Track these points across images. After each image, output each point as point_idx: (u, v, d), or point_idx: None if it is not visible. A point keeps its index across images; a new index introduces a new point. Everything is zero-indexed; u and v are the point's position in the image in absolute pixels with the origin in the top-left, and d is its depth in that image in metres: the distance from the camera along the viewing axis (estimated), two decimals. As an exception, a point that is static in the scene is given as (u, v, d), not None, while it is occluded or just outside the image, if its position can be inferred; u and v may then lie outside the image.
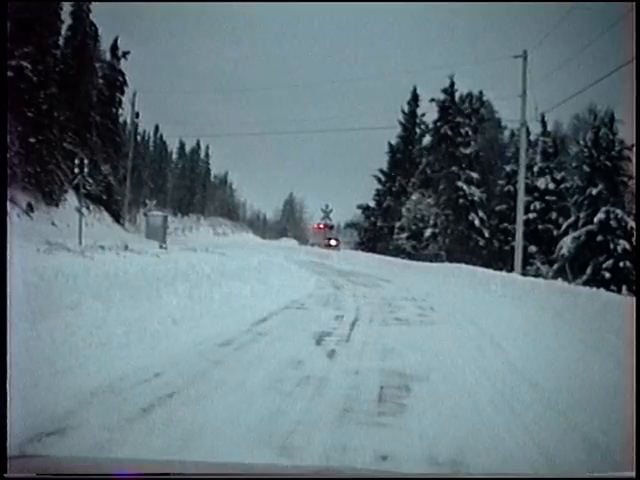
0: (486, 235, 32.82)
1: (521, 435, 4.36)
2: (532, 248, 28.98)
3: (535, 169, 31.17)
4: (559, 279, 17.96)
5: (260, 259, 19.72)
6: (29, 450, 3.46)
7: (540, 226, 30.50)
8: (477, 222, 32.80)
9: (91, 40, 34.44)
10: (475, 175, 33.59)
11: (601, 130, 28.72)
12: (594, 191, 27.37)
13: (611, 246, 25.80)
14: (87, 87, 33.43)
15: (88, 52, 33.69)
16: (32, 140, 25.34)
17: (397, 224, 37.27)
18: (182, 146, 78.25)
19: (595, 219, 26.37)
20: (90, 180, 24.20)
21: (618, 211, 26.32)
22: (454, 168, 33.39)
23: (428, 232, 34.35)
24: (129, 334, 6.85)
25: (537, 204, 30.66)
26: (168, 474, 1.90)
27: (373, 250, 37.52)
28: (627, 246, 25.44)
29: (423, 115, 40.92)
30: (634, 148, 26.03)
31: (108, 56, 37.46)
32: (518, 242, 23.18)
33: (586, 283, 21.62)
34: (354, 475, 2.40)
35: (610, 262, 25.58)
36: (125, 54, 37.53)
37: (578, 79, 20.31)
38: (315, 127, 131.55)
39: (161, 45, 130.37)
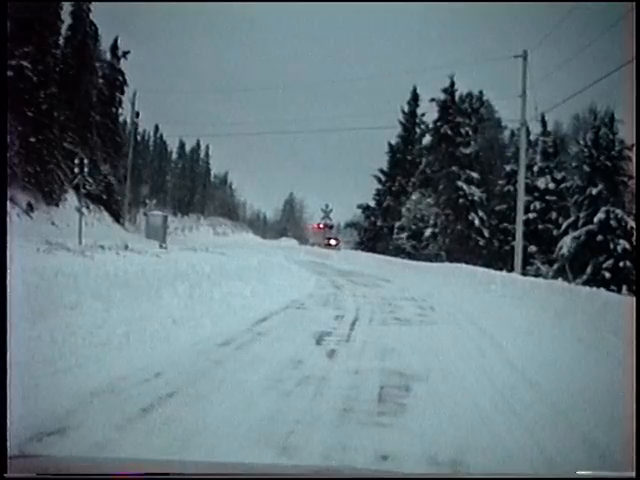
0: (486, 235, 32.83)
1: (521, 435, 4.36)
2: (532, 248, 28.97)
3: (535, 169, 31.17)
4: (559, 279, 17.98)
5: (260, 259, 19.72)
6: (29, 450, 3.46)
7: (540, 226, 30.49)
8: (477, 222, 32.80)
9: (91, 40, 34.45)
10: (475, 175, 33.59)
11: (601, 130, 28.71)
12: (594, 191, 27.36)
13: (611, 246, 25.80)
14: (87, 87, 33.44)
15: (88, 52, 33.71)
16: (32, 140, 25.34)
17: (397, 224, 37.29)
18: (182, 146, 78.37)
19: (595, 219, 26.36)
20: (90, 180, 24.15)
21: (618, 211, 26.32)
22: (454, 168, 33.39)
23: (428, 232, 34.36)
24: (129, 334, 6.85)
25: (537, 204, 30.66)
26: (168, 474, 1.90)
27: (373, 250, 37.54)
28: (627, 246, 25.43)
29: (423, 115, 41.01)
30: (634, 148, 26.02)
31: (108, 56, 37.54)
32: (518, 242, 23.18)
33: (586, 283, 21.60)
34: (354, 475, 2.40)
35: (610, 262, 25.57)
36: (125, 54, 37.56)
37: (578, 79, 20.31)
38: (315, 127, 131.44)
39: (161, 45, 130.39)
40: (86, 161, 22.23)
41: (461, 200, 33.04)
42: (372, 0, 78.37)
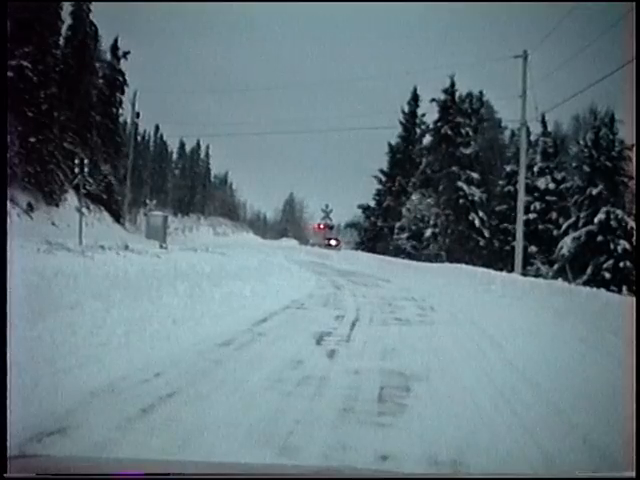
0: (486, 235, 32.84)
1: (521, 435, 4.36)
2: (532, 248, 28.99)
3: (535, 169, 31.18)
4: (559, 279, 17.97)
5: (260, 259, 19.75)
6: (29, 450, 3.45)
7: (540, 226, 30.51)
8: (477, 222, 32.82)
9: (91, 40, 34.45)
10: (475, 175, 33.60)
11: (601, 130, 28.74)
12: (594, 191, 27.38)
13: (611, 246, 25.82)
14: (87, 87, 33.44)
15: (88, 52, 33.71)
16: (32, 140, 25.36)
17: (397, 224, 37.29)
18: (182, 146, 78.29)
19: (595, 219, 26.39)
20: (90, 180, 24.23)
21: (618, 211, 26.33)
22: (454, 168, 33.40)
23: (428, 232, 34.36)
24: (129, 334, 6.85)
25: (537, 204, 30.67)
26: (168, 474, 1.90)
27: (373, 250, 37.55)
28: (627, 246, 25.45)
29: (423, 115, 41.04)
30: (634, 148, 26.03)
31: (108, 56, 37.52)
32: (518, 242, 23.18)
33: (586, 283, 21.63)
34: (354, 475, 2.39)
35: (610, 262, 25.59)
36: (125, 54, 37.55)
37: (578, 79, 20.35)
38: (315, 127, 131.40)
39: (161, 45, 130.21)
40: (86, 161, 22.29)
41: (461, 200, 33.05)
42: (372, 0, 78.34)
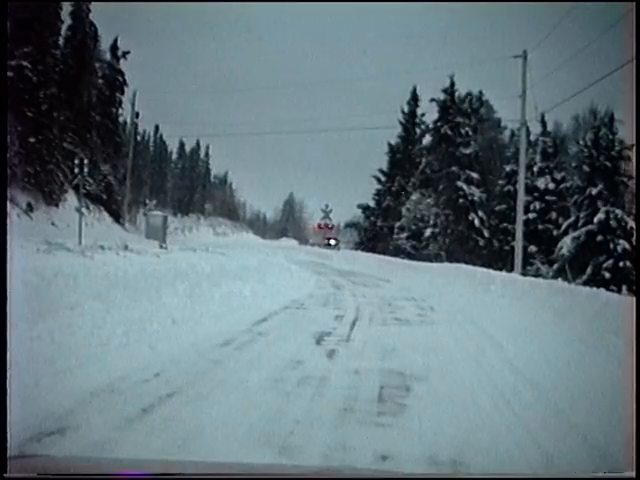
0: (486, 235, 32.82)
1: (521, 435, 4.36)
2: (532, 248, 28.97)
3: (535, 169, 31.16)
4: (559, 279, 17.93)
5: (260, 259, 19.74)
6: (29, 450, 3.46)
7: (540, 226, 30.49)
8: (477, 222, 32.80)
9: (91, 40, 34.44)
10: (475, 175, 33.58)
11: (601, 130, 28.71)
12: (594, 191, 27.36)
13: (611, 246, 25.80)
14: (87, 87, 33.44)
15: (88, 52, 33.70)
16: (32, 140, 25.35)
17: (397, 224, 37.27)
18: (182, 146, 78.34)
19: (595, 219, 26.37)
20: (90, 180, 24.25)
21: (618, 211, 26.32)
22: (454, 168, 33.39)
23: (428, 232, 34.35)
24: (129, 334, 6.85)
25: (537, 204, 30.65)
26: (168, 474, 1.90)
27: (373, 250, 37.53)
28: (627, 246, 25.44)
29: (423, 115, 40.98)
30: (634, 148, 25.99)
31: (108, 56, 37.50)
32: (518, 242, 23.18)
33: (586, 283, 21.61)
34: (354, 475, 2.39)
35: (610, 262, 25.57)
36: (125, 54, 37.54)
37: (578, 79, 20.34)
38: (315, 127, 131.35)
39: (161, 45, 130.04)
40: (86, 161, 22.31)
41: (461, 200, 33.03)
42: (372, 0, 78.33)
